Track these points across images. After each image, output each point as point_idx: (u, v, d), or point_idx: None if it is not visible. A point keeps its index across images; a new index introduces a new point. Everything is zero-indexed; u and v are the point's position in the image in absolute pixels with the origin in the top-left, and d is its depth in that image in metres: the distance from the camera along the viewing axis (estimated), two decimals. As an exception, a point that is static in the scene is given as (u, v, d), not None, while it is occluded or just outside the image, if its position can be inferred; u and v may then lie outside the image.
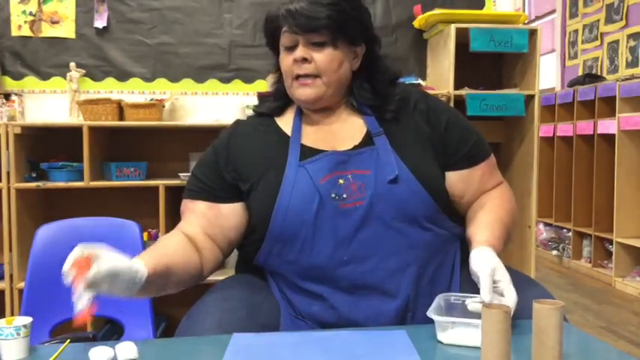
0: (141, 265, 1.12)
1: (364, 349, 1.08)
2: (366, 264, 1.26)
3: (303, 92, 1.33)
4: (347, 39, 1.33)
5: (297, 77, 1.33)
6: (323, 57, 1.30)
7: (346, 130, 1.37)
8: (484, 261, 1.16)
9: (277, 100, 1.43)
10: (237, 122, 1.48)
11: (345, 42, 1.33)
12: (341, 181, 1.28)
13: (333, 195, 1.27)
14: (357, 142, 1.34)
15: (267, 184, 1.31)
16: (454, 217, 1.38)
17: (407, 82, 1.50)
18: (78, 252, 1.04)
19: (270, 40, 1.39)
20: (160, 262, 1.18)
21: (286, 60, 1.33)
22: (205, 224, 1.35)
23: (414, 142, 1.34)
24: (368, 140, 1.34)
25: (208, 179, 1.37)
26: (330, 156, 1.30)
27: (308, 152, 1.32)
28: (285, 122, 1.41)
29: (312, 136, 1.36)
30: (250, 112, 1.54)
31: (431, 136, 1.36)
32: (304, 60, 1.30)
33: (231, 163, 1.36)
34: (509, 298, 1.12)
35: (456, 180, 1.37)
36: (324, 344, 1.10)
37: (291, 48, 1.32)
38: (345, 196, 1.27)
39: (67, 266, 1.02)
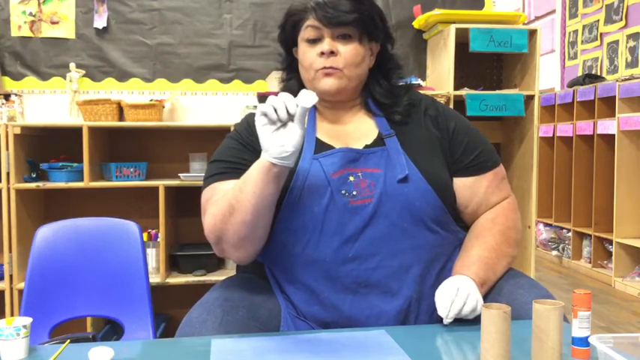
0: None
1: (350, 350, 1.07)
2: (370, 262, 1.27)
3: (326, 82, 1.33)
4: (369, 35, 1.35)
5: (322, 68, 1.32)
6: (349, 50, 1.32)
7: (359, 130, 1.38)
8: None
9: None
10: (252, 113, 1.47)
11: (366, 38, 1.35)
12: (351, 178, 1.29)
13: (343, 191, 1.28)
14: (369, 142, 1.35)
15: None
16: (460, 222, 1.39)
17: (411, 82, 1.50)
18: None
19: (287, 34, 1.39)
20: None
21: (310, 53, 1.34)
22: None
23: (424, 144, 1.36)
24: (379, 141, 1.35)
25: (239, 158, 1.34)
26: (343, 152, 1.32)
27: (322, 146, 1.34)
28: None
29: (326, 132, 1.38)
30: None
31: (440, 140, 1.38)
32: (331, 53, 1.31)
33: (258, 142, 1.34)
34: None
35: (461, 187, 1.38)
36: (309, 347, 1.09)
37: (314, 41, 1.33)
38: (354, 193, 1.28)
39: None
